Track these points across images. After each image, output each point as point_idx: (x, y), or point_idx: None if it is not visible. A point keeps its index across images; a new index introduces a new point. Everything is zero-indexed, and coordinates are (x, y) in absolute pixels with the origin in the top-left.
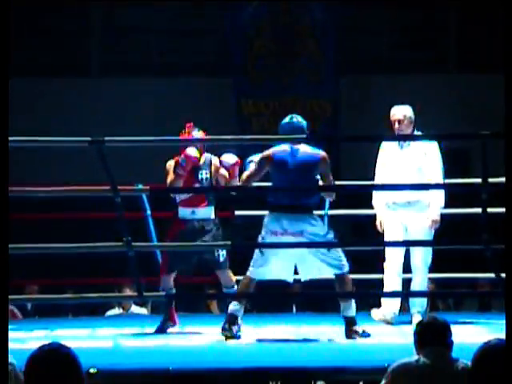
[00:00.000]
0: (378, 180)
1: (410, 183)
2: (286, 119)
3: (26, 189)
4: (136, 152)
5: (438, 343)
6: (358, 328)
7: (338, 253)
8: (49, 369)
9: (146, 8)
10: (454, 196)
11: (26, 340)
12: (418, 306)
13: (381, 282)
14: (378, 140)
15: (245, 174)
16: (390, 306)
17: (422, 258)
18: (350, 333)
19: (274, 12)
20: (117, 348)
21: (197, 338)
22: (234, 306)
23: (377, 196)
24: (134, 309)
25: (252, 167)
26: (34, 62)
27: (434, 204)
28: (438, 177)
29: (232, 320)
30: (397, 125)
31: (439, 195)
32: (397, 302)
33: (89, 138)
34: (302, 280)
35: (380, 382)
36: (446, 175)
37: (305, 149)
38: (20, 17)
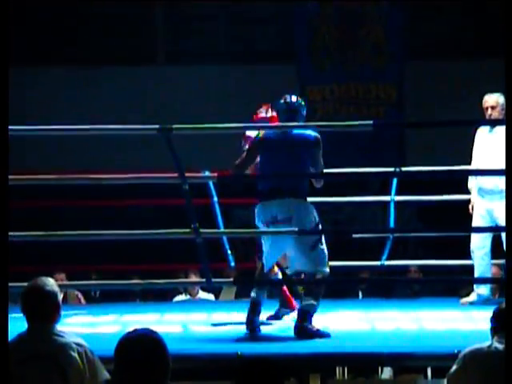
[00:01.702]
0: (472, 165)
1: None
2: (281, 100)
3: (91, 176)
4: (202, 139)
5: None
6: (311, 325)
7: (324, 252)
8: (139, 353)
9: None
10: None
11: (95, 324)
12: (482, 288)
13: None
14: (443, 125)
15: (238, 162)
16: (480, 290)
17: None
18: (299, 328)
19: None
20: (186, 333)
21: (264, 324)
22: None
23: (471, 181)
24: (202, 295)
25: (244, 153)
26: (99, 51)
27: None
28: None
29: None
30: (490, 111)
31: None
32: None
33: (157, 126)
34: (289, 273)
35: (450, 368)
36: None
37: (297, 130)
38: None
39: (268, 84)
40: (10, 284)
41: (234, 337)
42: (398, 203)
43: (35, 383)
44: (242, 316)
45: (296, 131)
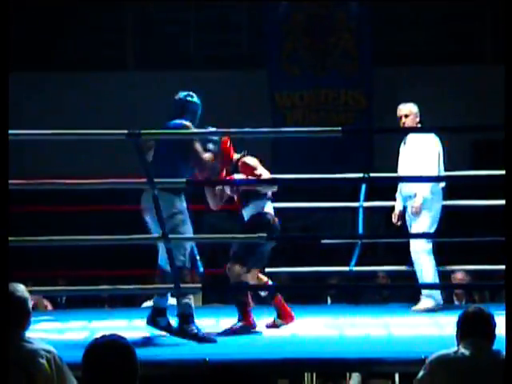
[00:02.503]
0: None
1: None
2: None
3: (67, 181)
4: None
5: (479, 335)
6: (191, 327)
7: (180, 243)
8: (108, 359)
9: (181, 0)
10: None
11: (63, 331)
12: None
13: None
14: (407, 132)
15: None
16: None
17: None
18: (180, 331)
19: (309, 5)
20: (154, 339)
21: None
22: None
23: (398, 188)
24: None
25: None
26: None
27: (419, 194)
28: (424, 169)
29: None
30: (403, 119)
31: (422, 186)
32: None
33: (126, 131)
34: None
35: (417, 373)
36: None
37: (174, 120)
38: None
39: (238, 90)
40: None
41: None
42: (367, 209)
43: None
44: (210, 321)
45: (173, 122)
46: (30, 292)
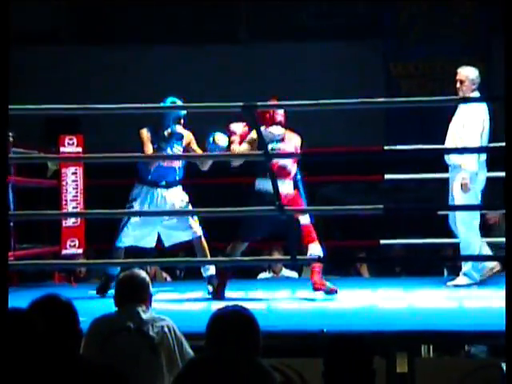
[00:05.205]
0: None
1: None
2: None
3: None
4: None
5: None
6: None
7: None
8: (233, 329)
9: None
10: None
11: (181, 301)
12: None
13: None
14: None
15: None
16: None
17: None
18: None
19: None
20: (271, 310)
21: (348, 301)
22: None
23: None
24: (285, 272)
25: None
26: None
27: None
28: (466, 140)
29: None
30: (458, 84)
31: (467, 158)
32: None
33: (241, 103)
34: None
35: None
36: None
37: None
38: None
39: (352, 59)
40: None
41: (319, 314)
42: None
43: (126, 354)
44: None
45: None
46: (149, 263)
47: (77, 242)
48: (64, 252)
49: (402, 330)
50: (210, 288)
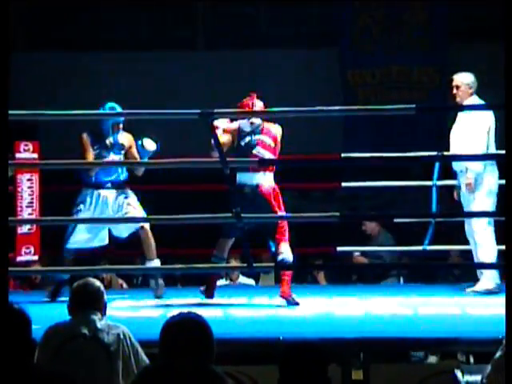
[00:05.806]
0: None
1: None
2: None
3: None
4: None
5: None
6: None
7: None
8: (185, 337)
9: None
10: None
11: (137, 308)
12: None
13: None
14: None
15: None
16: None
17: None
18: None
19: None
20: (227, 317)
21: (304, 308)
22: None
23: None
24: (242, 279)
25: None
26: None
27: (470, 169)
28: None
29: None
30: (454, 90)
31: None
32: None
33: (198, 111)
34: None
35: (494, 353)
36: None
37: None
38: None
39: (309, 68)
40: None
41: (276, 321)
42: (440, 188)
43: (81, 361)
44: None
45: None
46: (105, 270)
47: (32, 249)
48: (19, 259)
49: (357, 337)
50: (202, 288)
